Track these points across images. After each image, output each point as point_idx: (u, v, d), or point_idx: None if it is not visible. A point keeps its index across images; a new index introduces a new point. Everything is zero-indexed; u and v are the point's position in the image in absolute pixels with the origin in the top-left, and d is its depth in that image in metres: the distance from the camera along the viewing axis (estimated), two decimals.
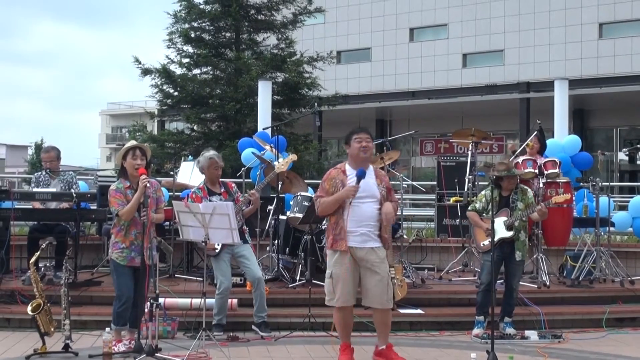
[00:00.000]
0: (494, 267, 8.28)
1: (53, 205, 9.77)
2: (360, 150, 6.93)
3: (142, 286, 7.20)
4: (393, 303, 7.29)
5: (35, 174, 10.42)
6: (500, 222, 8.36)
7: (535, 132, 10.92)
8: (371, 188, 6.91)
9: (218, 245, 8.08)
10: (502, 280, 8.74)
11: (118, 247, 7.31)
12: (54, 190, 9.73)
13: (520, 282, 8.87)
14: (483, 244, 8.55)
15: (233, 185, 8.72)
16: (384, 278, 6.86)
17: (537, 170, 10.16)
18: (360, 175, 6.82)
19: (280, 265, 9.88)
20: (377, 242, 6.89)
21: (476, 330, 8.36)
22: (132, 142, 7.56)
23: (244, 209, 8.42)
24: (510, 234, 8.37)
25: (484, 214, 8.55)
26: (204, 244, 7.61)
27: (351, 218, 6.80)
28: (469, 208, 8.82)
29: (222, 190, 8.45)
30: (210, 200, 8.21)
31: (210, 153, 8.50)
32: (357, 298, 7.05)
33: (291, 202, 10.08)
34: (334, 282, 6.87)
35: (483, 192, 8.78)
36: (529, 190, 8.78)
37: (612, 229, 11.17)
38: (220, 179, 8.56)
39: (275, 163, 9.43)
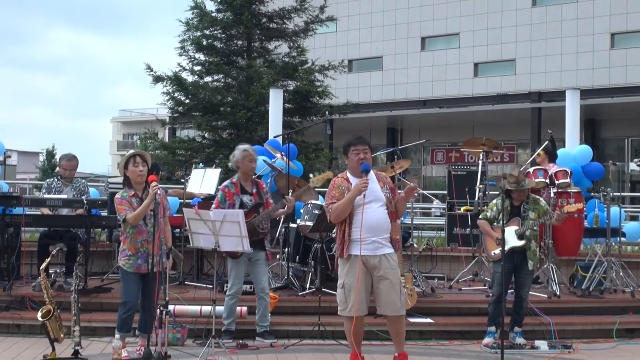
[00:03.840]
0: (505, 278, 8.26)
1: (64, 211, 9.79)
2: (358, 163, 6.88)
3: (152, 292, 7.22)
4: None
5: (47, 180, 10.41)
6: (511, 231, 8.34)
7: (546, 142, 10.92)
8: (376, 192, 6.84)
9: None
10: (512, 290, 8.72)
11: (125, 254, 7.35)
12: (64, 196, 9.76)
13: (531, 292, 8.85)
14: (494, 253, 8.54)
15: (264, 185, 8.74)
16: (395, 284, 6.79)
17: (548, 180, 10.15)
18: (367, 169, 6.81)
19: (290, 273, 9.87)
20: (389, 248, 6.84)
21: (486, 340, 8.33)
22: (131, 151, 7.56)
23: (273, 213, 8.47)
24: (521, 243, 8.34)
25: (495, 223, 8.55)
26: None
27: (360, 225, 6.71)
28: (480, 217, 8.81)
29: (254, 190, 8.42)
30: (241, 199, 8.26)
31: (245, 146, 8.54)
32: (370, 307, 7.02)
33: (301, 210, 10.09)
34: (345, 291, 6.80)
35: (494, 201, 8.77)
36: (541, 199, 8.77)
37: (623, 239, 11.14)
38: (253, 178, 8.56)
39: (311, 176, 9.45)
